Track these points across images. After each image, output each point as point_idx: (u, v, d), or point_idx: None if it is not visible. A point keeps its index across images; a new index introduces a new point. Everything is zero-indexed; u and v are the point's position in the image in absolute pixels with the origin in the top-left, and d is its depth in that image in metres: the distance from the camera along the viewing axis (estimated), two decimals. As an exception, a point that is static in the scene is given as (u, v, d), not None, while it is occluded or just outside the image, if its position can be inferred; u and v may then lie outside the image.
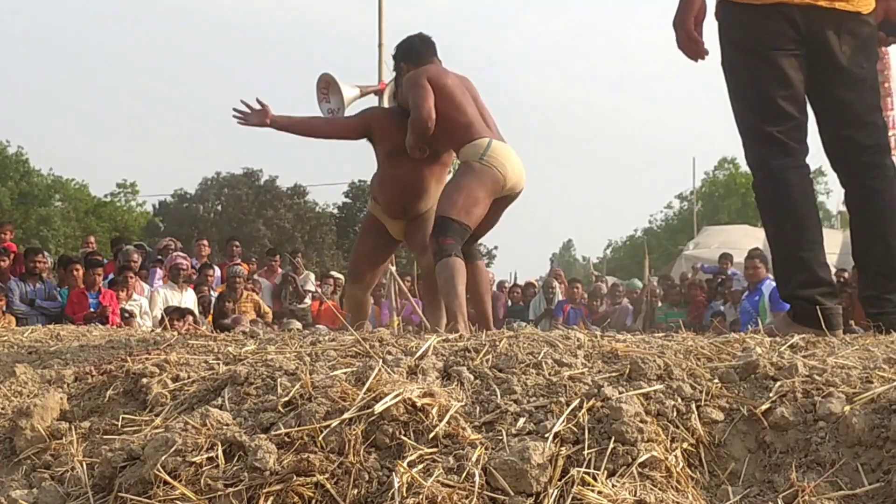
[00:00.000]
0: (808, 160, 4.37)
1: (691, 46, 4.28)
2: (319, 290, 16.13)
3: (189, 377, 2.92)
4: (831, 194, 56.90)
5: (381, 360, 2.78)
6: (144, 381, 2.93)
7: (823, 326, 3.84)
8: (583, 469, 2.32)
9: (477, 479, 2.26)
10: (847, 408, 2.51)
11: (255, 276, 15.12)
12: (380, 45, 12.52)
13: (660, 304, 16.32)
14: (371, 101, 10.46)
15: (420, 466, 2.33)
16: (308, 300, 15.38)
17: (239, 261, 15.51)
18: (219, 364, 3.01)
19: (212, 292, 13.52)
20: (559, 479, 2.30)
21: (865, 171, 4.32)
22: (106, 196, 54.60)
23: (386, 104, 9.07)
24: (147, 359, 3.11)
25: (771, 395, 2.63)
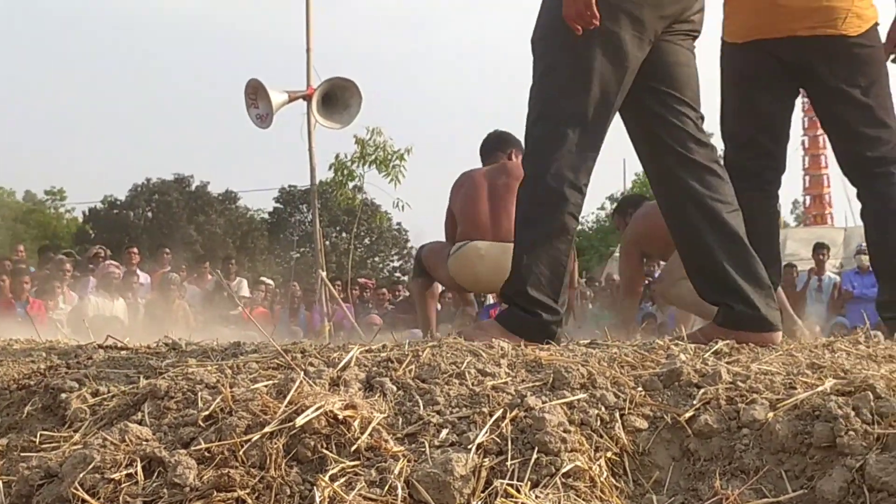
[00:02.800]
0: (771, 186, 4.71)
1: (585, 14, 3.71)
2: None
3: (109, 391, 2.87)
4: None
5: (302, 372, 2.75)
6: (64, 396, 2.88)
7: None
8: (506, 481, 2.30)
9: (399, 491, 2.24)
10: (770, 414, 2.52)
11: (185, 283, 15.01)
12: (308, 50, 12.46)
13: (590, 306, 16.40)
14: (299, 106, 10.44)
15: (342, 480, 2.30)
16: (241, 307, 15.31)
17: (169, 268, 15.40)
18: (139, 377, 2.96)
19: (140, 300, 13.42)
20: (482, 491, 2.28)
21: (873, 181, 4.46)
22: (30, 202, 54.04)
23: (314, 109, 9.05)
24: (67, 373, 3.06)
25: (695, 402, 2.63)
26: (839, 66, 4.44)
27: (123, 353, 3.42)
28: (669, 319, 12.76)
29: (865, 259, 15.15)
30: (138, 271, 14.65)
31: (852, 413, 2.45)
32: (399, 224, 56.26)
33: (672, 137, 3.71)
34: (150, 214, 50.95)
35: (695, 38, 3.85)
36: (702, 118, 3.79)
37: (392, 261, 60.83)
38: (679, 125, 3.71)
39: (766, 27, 4.47)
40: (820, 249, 16.53)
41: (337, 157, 15.33)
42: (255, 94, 9.14)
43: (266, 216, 56.18)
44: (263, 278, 19.23)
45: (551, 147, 3.60)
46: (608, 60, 3.59)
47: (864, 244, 16.01)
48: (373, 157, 14.72)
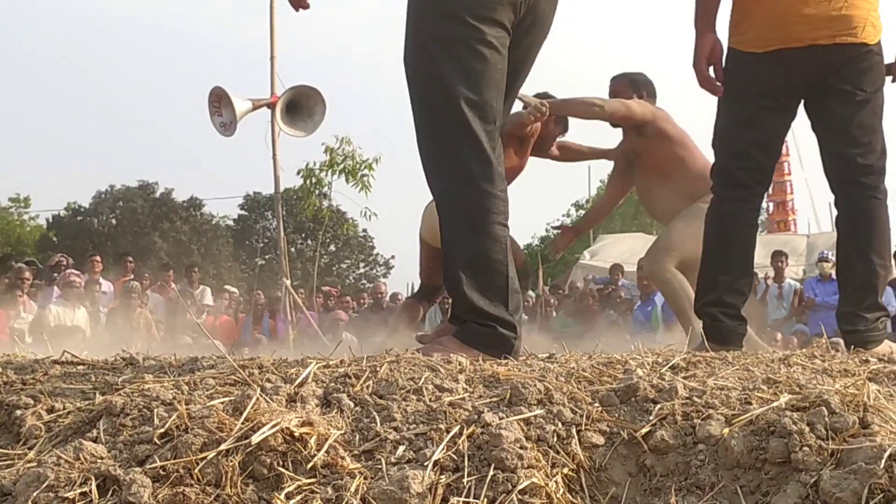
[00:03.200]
0: (756, 199, 4.74)
1: (706, 85, 4.72)
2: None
3: (64, 408, 2.85)
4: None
5: (259, 389, 2.74)
6: (18, 412, 2.86)
7: (717, 342, 3.96)
8: (462, 498, 2.30)
9: (356, 509, 2.24)
10: (726, 430, 2.53)
11: (149, 292, 14.94)
12: (272, 58, 12.43)
13: (555, 313, 16.43)
14: (264, 114, 10.41)
15: (298, 498, 2.29)
16: (204, 316, 15.26)
17: (132, 276, 15.33)
18: (95, 394, 2.94)
19: (102, 309, 13.35)
20: (439, 509, 2.28)
21: (858, 191, 4.52)
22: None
23: (278, 117, 9.03)
24: (22, 389, 3.03)
25: (651, 418, 2.63)
26: (851, 70, 4.50)
27: (80, 367, 3.39)
28: (634, 327, 12.74)
29: (827, 266, 15.24)
30: (101, 280, 14.57)
31: (807, 429, 2.46)
32: (364, 231, 56.27)
33: None
34: (114, 221, 50.73)
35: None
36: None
37: (358, 268, 60.77)
38: None
39: (788, 37, 4.50)
40: (778, 257, 16.61)
41: (307, 165, 15.35)
42: (219, 102, 9.10)
43: (231, 223, 56.05)
44: (227, 286, 19.18)
45: (454, 162, 3.61)
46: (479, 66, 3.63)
47: (827, 252, 16.13)
48: (342, 165, 14.76)
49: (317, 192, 15.70)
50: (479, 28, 3.59)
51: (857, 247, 4.52)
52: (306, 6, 4.12)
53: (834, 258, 15.66)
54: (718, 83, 4.65)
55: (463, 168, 3.57)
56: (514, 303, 3.61)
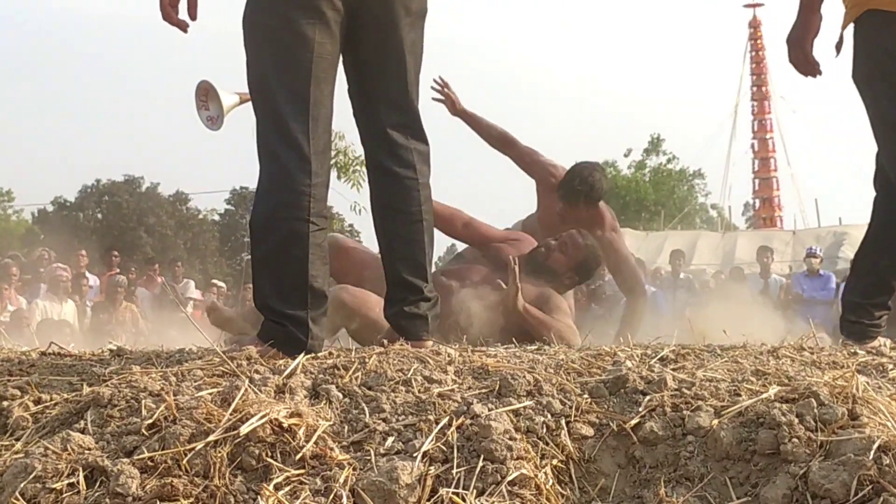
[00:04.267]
0: None
1: (807, 66, 4.28)
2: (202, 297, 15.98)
3: (52, 399, 2.84)
4: (710, 196, 57.91)
5: (247, 380, 2.73)
6: (5, 403, 2.84)
7: None
8: (451, 489, 2.30)
9: (345, 500, 2.24)
10: (715, 421, 2.53)
11: (135, 286, 14.88)
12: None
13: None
14: (251, 107, 10.37)
15: (287, 489, 2.29)
16: (190, 308, 15.21)
17: (118, 270, 15.28)
18: (83, 385, 2.93)
19: (88, 303, 13.30)
20: (428, 500, 2.28)
21: None
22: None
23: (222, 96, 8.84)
24: (9, 381, 3.02)
25: (640, 409, 2.63)
26: None
27: (67, 359, 3.38)
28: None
29: (815, 262, 15.26)
30: (87, 274, 14.51)
31: (796, 420, 2.46)
32: (351, 225, 56.18)
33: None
34: (99, 216, 50.63)
35: None
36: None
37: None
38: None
39: None
40: (764, 252, 16.62)
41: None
42: (206, 95, 9.06)
43: (217, 218, 55.97)
44: (215, 280, 19.14)
45: (267, 153, 3.54)
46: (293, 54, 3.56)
47: (815, 248, 16.15)
48: (333, 160, 14.73)
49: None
50: (292, 18, 3.50)
51: (891, 243, 4.27)
52: (185, 27, 3.96)
53: (822, 254, 15.55)
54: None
55: (272, 159, 3.47)
56: (315, 301, 3.45)
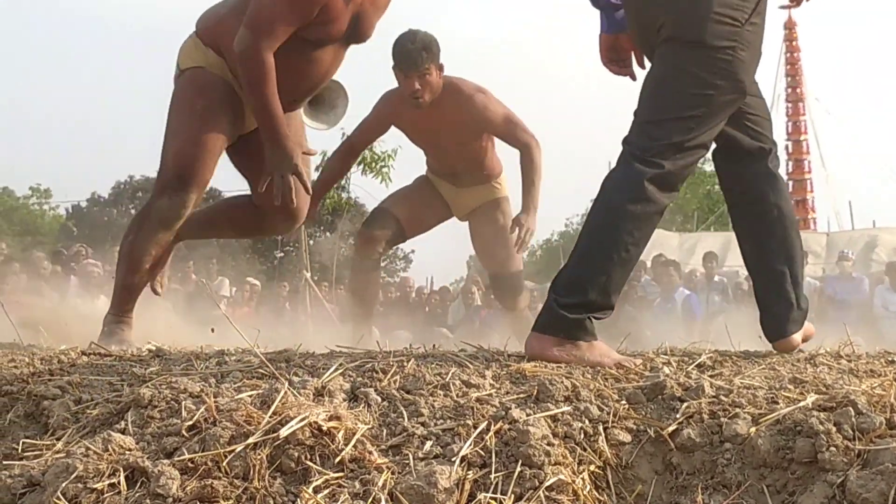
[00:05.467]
0: None
1: (612, 71, 4.06)
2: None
3: (92, 399, 2.86)
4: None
5: (286, 382, 2.75)
6: (46, 403, 2.87)
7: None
8: (489, 493, 2.31)
9: (383, 504, 2.25)
10: (752, 429, 2.53)
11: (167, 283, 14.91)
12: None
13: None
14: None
15: (326, 492, 2.30)
16: (223, 306, 15.25)
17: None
18: (123, 385, 2.95)
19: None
20: (466, 504, 2.29)
21: None
22: (13, 199, 53.88)
23: (301, 109, 8.88)
24: (50, 380, 3.04)
25: (678, 416, 2.64)
26: None
27: (107, 359, 3.40)
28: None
29: (848, 265, 15.18)
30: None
31: (834, 429, 2.46)
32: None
33: None
34: (133, 212, 50.71)
35: None
36: None
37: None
38: None
39: None
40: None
41: (325, 155, 15.34)
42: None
43: (250, 215, 56.09)
44: (249, 278, 19.15)
45: None
46: None
47: (847, 251, 16.06)
48: (360, 157, 14.71)
49: (336, 184, 15.70)
50: None
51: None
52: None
53: (854, 257, 15.45)
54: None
55: None
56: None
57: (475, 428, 2.52)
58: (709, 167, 56.37)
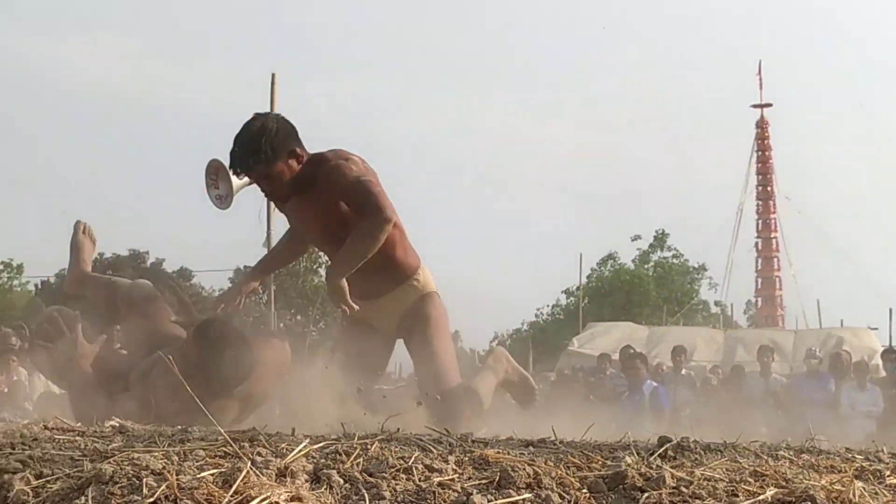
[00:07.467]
0: None
1: None
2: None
3: (53, 474, 2.85)
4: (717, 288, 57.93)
5: (249, 462, 2.74)
6: (6, 477, 2.86)
7: None
8: (449, 580, 2.31)
9: (342, 587, 2.25)
10: (712, 521, 2.54)
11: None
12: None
13: (542, 399, 16.39)
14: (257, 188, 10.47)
15: (284, 574, 2.30)
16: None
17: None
18: (84, 461, 2.94)
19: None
20: (425, 590, 2.29)
21: None
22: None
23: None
24: (11, 454, 3.03)
25: (638, 506, 2.65)
26: None
27: (69, 434, 3.40)
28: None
29: (815, 363, 15.25)
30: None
31: (793, 523, 2.47)
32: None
33: None
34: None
35: None
36: None
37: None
38: None
39: None
40: (765, 352, 16.58)
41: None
42: (217, 174, 9.12)
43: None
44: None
45: None
46: None
47: (815, 348, 16.16)
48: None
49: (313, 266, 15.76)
50: None
51: None
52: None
53: (821, 355, 15.58)
54: None
55: None
56: None
57: (436, 512, 2.53)
58: (677, 261, 56.83)
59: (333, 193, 5.49)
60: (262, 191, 5.68)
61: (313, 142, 5.71)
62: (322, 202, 5.56)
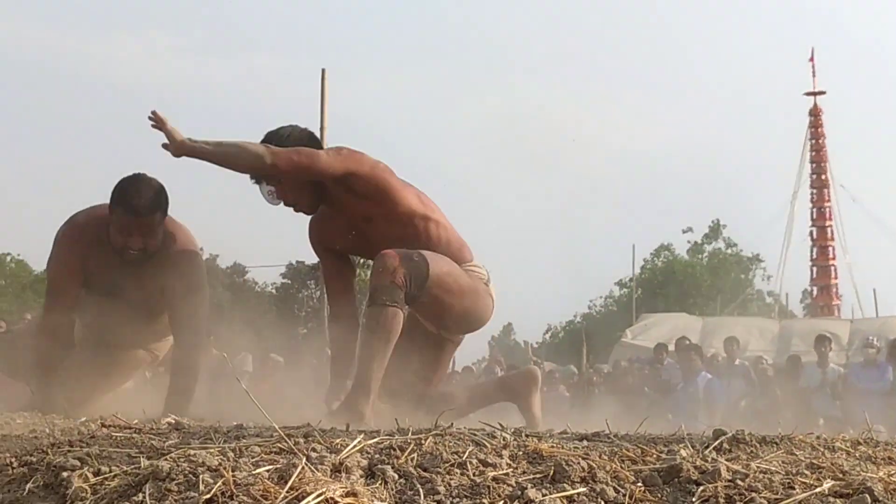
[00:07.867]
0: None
1: None
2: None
3: (111, 471, 2.87)
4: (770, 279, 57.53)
5: (304, 458, 2.76)
6: (65, 474, 2.88)
7: None
8: (504, 573, 2.31)
9: (397, 582, 2.25)
10: (768, 514, 2.53)
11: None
12: (321, 128, 12.58)
13: (596, 391, 16.36)
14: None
15: (341, 568, 2.31)
16: (245, 382, 15.24)
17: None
18: (141, 458, 2.97)
19: (147, 373, 13.36)
20: (480, 583, 2.29)
21: None
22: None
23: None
24: (69, 451, 3.07)
25: (694, 499, 2.63)
26: None
27: (126, 431, 3.43)
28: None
29: (872, 352, 15.10)
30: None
31: (849, 516, 2.46)
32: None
33: None
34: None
35: None
36: None
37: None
38: None
39: None
40: (822, 341, 16.43)
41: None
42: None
43: (273, 291, 56.17)
44: (273, 355, 19.15)
45: None
46: None
47: (872, 337, 16.00)
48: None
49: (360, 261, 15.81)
50: None
51: None
52: None
53: (879, 344, 15.39)
54: None
55: None
56: None
57: (491, 507, 2.53)
58: (731, 251, 56.52)
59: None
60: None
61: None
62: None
